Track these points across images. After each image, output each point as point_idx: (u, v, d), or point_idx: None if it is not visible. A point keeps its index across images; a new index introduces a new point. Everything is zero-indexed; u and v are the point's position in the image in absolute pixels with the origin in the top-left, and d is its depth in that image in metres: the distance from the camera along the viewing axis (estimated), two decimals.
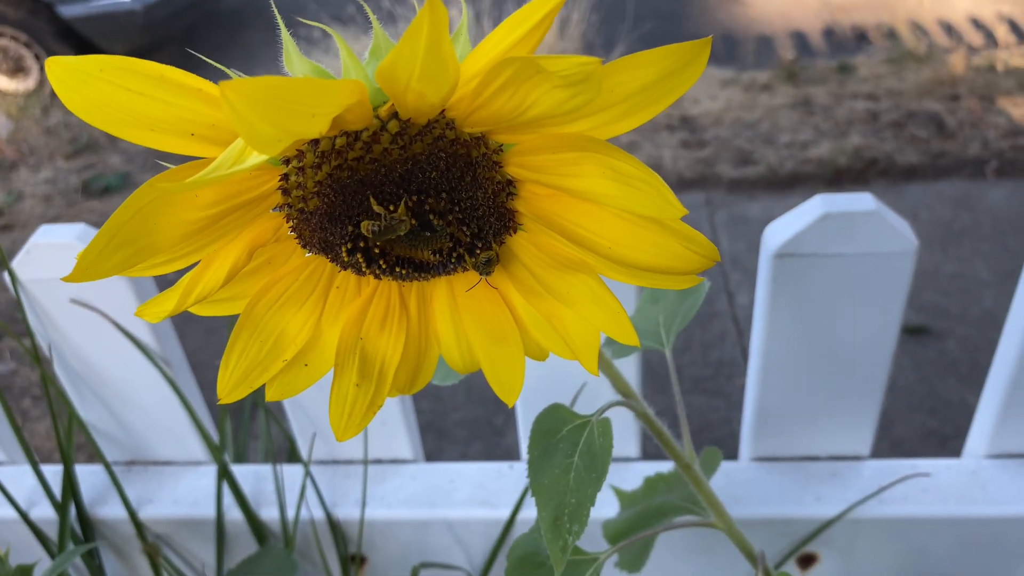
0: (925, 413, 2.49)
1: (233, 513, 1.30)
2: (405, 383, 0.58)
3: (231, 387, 0.54)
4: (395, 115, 0.44)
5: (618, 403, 0.73)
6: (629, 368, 1.18)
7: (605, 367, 0.74)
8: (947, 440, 2.39)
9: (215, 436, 1.43)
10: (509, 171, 0.47)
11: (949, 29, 4.50)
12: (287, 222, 0.49)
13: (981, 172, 3.49)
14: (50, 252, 1.12)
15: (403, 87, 0.39)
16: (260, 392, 0.71)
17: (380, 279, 0.54)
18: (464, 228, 0.48)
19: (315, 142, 0.45)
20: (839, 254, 1.04)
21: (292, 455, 1.43)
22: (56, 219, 4.08)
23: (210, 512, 1.30)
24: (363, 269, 0.50)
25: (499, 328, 0.56)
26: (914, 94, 3.83)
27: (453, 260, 0.51)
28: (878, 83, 3.97)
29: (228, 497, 1.31)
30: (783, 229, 1.05)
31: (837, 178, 3.41)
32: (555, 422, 0.70)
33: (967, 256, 3.13)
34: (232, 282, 0.53)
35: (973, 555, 1.20)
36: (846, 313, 1.09)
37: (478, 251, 0.50)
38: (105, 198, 4.18)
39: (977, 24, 4.51)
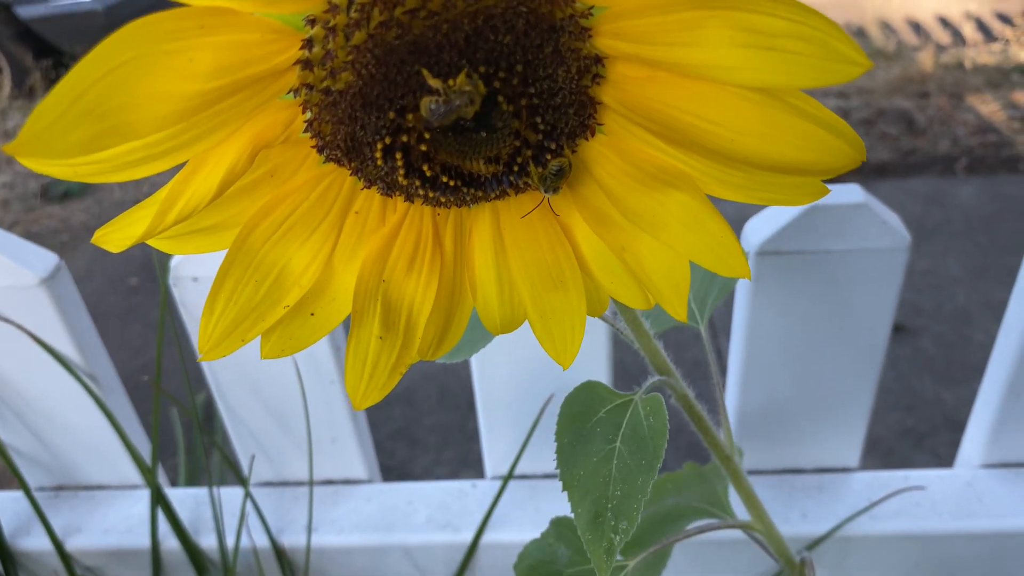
0: (902, 411, 2.45)
1: (170, 542, 1.15)
2: (432, 341, 0.46)
3: (216, 339, 0.42)
4: None
5: (661, 381, 0.62)
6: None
7: (643, 341, 0.63)
8: (923, 438, 2.37)
9: (166, 454, 1.29)
10: (600, 43, 0.36)
11: (917, 28, 4.51)
12: (303, 112, 0.37)
13: (951, 169, 3.49)
14: None
15: None
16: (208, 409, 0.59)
17: (413, 201, 0.42)
18: (537, 120, 0.37)
19: None
20: (826, 251, 0.94)
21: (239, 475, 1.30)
22: (14, 225, 3.88)
23: (144, 541, 1.15)
24: (399, 179, 0.38)
25: (556, 269, 0.45)
26: (884, 92, 3.82)
27: (515, 170, 0.39)
28: (848, 82, 3.95)
29: (164, 524, 1.16)
30: (765, 225, 0.94)
31: None
32: (590, 402, 0.59)
33: (939, 253, 3.12)
34: (223, 201, 0.41)
35: (972, 572, 1.11)
36: (834, 314, 1.00)
37: (548, 157, 0.39)
38: (66, 203, 3.99)
39: (944, 23, 4.53)
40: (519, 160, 0.39)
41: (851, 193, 0.92)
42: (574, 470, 0.57)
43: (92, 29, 4.43)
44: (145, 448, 1.20)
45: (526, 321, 0.48)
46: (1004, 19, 4.49)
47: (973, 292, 2.87)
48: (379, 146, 0.36)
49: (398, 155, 0.37)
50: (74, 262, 3.30)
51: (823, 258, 0.94)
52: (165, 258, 1.12)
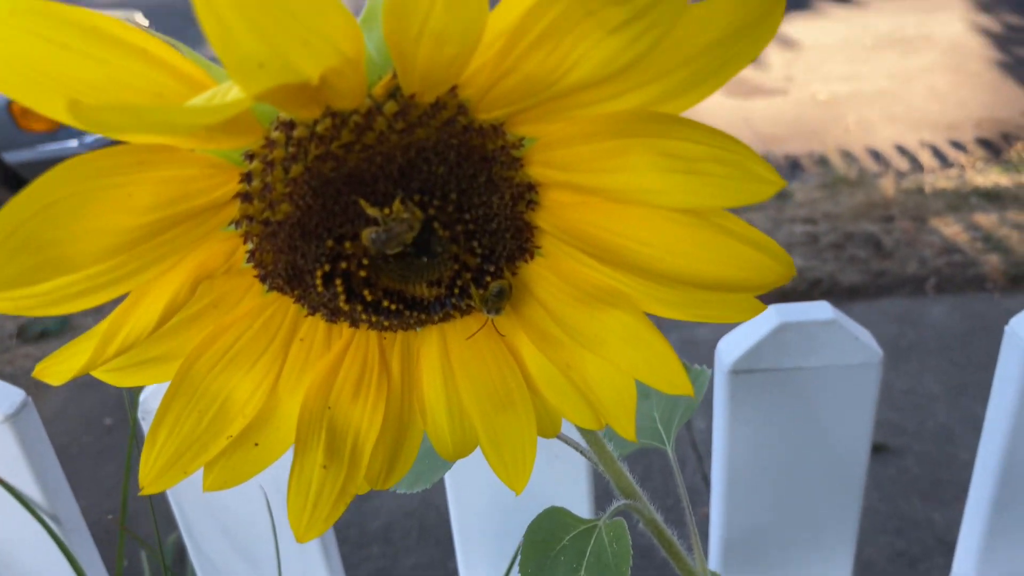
0: (891, 534, 2.41)
1: None
2: (381, 469, 0.46)
3: (158, 471, 0.41)
4: (393, 95, 0.34)
5: (626, 505, 0.61)
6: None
7: (607, 463, 0.62)
8: (917, 561, 2.32)
9: None
10: (531, 172, 0.37)
11: (876, 156, 4.69)
12: (244, 243, 0.38)
13: (921, 289, 3.55)
14: None
15: (418, 29, 0.29)
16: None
17: (358, 326, 0.42)
18: (474, 244, 0.37)
19: (290, 126, 0.34)
20: (798, 368, 0.94)
21: None
22: None
23: None
24: (341, 304, 0.38)
25: (504, 390, 0.45)
26: (850, 217, 3.93)
27: (456, 292, 0.39)
28: (814, 207, 4.07)
29: None
30: (737, 343, 0.95)
31: (783, 299, 3.40)
32: (553, 529, 0.58)
33: (916, 371, 3.14)
34: (166, 332, 0.41)
35: None
36: (811, 432, 0.99)
37: (488, 279, 0.39)
38: (42, 343, 3.96)
39: (902, 150, 4.71)
40: (460, 283, 0.39)
41: (821, 310, 0.93)
42: None
43: None
44: None
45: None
46: (958, 146, 4.69)
47: (953, 409, 2.88)
48: (319, 273, 0.37)
49: (338, 281, 0.37)
50: (48, 401, 3.25)
51: (796, 375, 0.94)
52: (135, 392, 1.10)
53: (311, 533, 0.43)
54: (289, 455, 0.45)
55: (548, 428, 0.47)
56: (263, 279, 0.39)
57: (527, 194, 0.38)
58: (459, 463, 0.99)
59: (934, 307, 3.55)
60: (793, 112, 5.32)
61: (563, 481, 1.03)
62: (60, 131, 4.42)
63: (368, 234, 0.35)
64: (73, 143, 4.40)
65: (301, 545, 1.08)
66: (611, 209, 0.37)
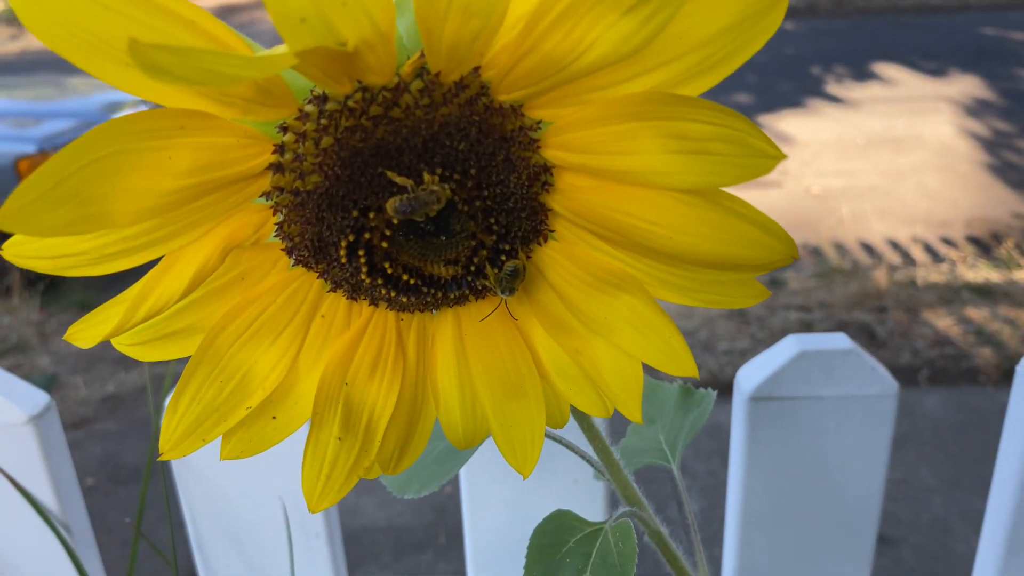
0: None
1: None
2: (393, 451, 0.47)
3: (178, 438, 0.42)
4: (419, 75, 0.37)
5: (631, 513, 0.62)
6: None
7: (614, 471, 0.63)
8: None
9: None
10: (547, 154, 0.40)
11: (869, 249, 4.76)
12: (274, 215, 0.40)
13: (915, 380, 3.57)
14: None
15: (446, 4, 0.32)
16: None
17: (377, 304, 0.44)
18: (491, 221, 0.40)
19: (322, 100, 0.37)
20: (817, 396, 0.96)
21: None
22: None
23: None
24: (363, 277, 0.40)
25: (516, 376, 0.46)
26: (843, 306, 3.97)
27: (472, 271, 0.42)
28: (809, 296, 4.11)
29: None
30: (758, 370, 0.97)
31: None
32: (559, 532, 0.59)
33: (912, 462, 3.13)
34: (193, 303, 0.43)
35: None
36: (828, 461, 1.00)
37: (503, 258, 0.42)
38: None
39: (894, 245, 4.78)
40: (476, 261, 0.41)
41: (839, 340, 0.95)
42: None
43: None
44: None
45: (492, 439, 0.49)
46: (949, 243, 4.77)
47: (949, 502, 2.86)
48: (343, 244, 0.39)
49: (361, 253, 0.40)
50: None
51: (814, 404, 0.96)
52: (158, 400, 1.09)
53: (323, 503, 0.44)
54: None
55: (557, 417, 0.48)
56: (289, 252, 0.42)
57: (542, 175, 0.40)
58: (476, 482, 1.00)
59: (928, 398, 3.55)
60: (787, 204, 5.42)
61: (581, 502, 1.03)
62: None
63: (394, 202, 0.37)
64: None
65: (312, 559, 1.07)
66: (622, 191, 0.39)
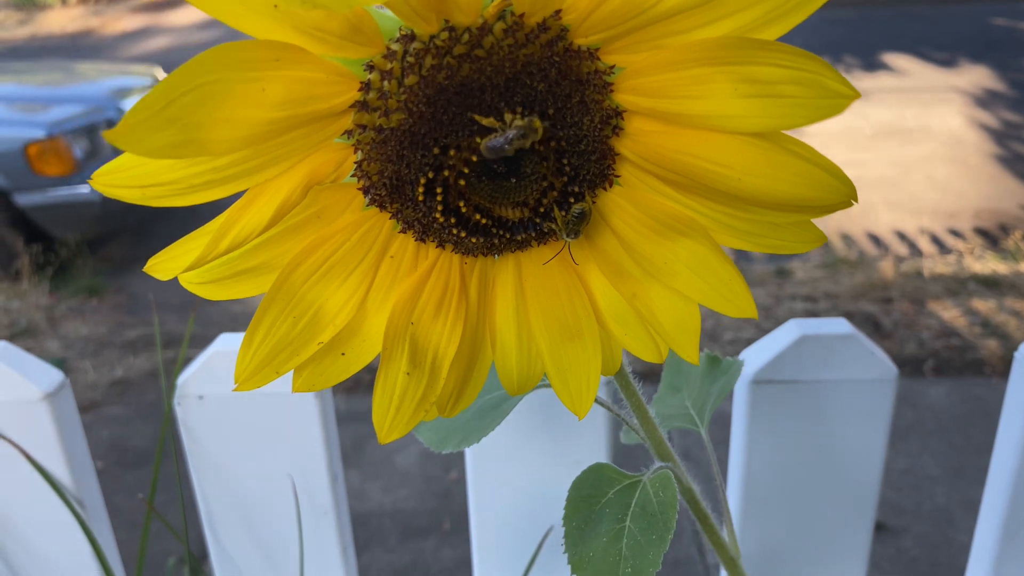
0: None
1: None
2: (452, 391, 0.49)
3: (253, 369, 0.44)
4: (502, 16, 0.38)
5: (664, 467, 0.64)
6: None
7: (648, 428, 0.65)
8: None
9: None
10: (619, 98, 0.41)
11: (876, 240, 4.77)
12: (355, 153, 0.42)
13: (919, 370, 3.58)
14: None
15: None
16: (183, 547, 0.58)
17: (443, 247, 0.46)
18: (564, 162, 0.41)
19: (409, 39, 0.38)
20: (817, 380, 0.98)
21: None
22: None
23: None
24: (437, 215, 0.42)
25: (573, 319, 0.48)
26: (849, 296, 3.98)
27: (541, 213, 0.43)
28: (815, 286, 4.12)
29: None
30: (759, 354, 0.98)
31: None
32: (598, 485, 0.60)
33: (915, 452, 3.15)
34: (270, 240, 0.45)
35: None
36: (828, 445, 1.01)
37: (571, 200, 0.43)
38: None
39: (901, 236, 4.79)
40: (545, 203, 0.43)
41: (839, 325, 0.96)
42: (583, 551, 0.57)
43: (86, 218, 4.57)
44: None
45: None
46: (956, 234, 4.78)
47: (952, 492, 2.88)
48: (422, 182, 0.41)
49: (438, 191, 0.41)
50: None
51: (815, 387, 0.97)
52: (173, 378, 1.10)
53: (393, 434, 0.45)
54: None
55: (609, 363, 0.50)
56: (366, 191, 0.43)
57: (613, 119, 0.42)
58: (482, 464, 1.02)
59: (932, 389, 3.57)
60: None
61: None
62: (73, 177, 4.48)
63: (484, 144, 0.39)
64: (84, 188, 4.47)
65: (319, 538, 1.09)
66: (691, 135, 0.40)
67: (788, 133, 0.40)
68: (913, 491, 2.90)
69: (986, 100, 7.19)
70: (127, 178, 0.39)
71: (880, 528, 2.70)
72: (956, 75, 7.91)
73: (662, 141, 0.41)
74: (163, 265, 0.43)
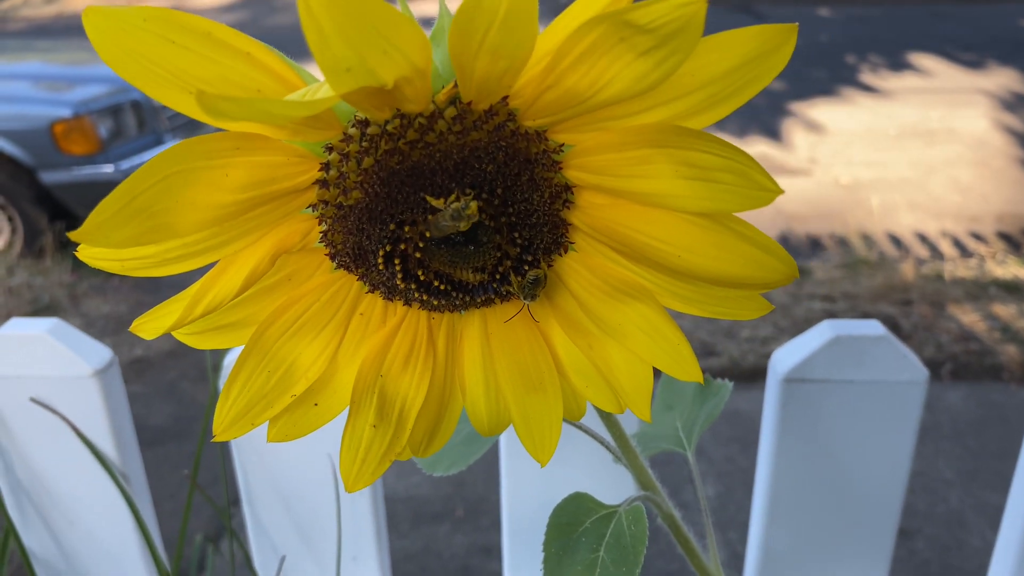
0: None
1: None
2: (423, 437, 0.51)
3: (230, 421, 0.47)
4: (452, 103, 0.41)
5: (645, 497, 0.66)
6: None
7: (629, 457, 0.67)
8: None
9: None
10: (568, 175, 0.44)
11: (897, 241, 4.74)
12: (319, 224, 0.45)
13: (937, 374, 3.56)
14: (15, 346, 1.01)
15: (477, 45, 0.36)
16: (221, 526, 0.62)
17: (410, 305, 0.49)
18: (515, 235, 0.44)
19: (364, 124, 0.41)
20: (849, 381, 0.99)
21: None
22: None
23: None
24: (398, 282, 0.45)
25: (536, 372, 0.51)
26: (868, 297, 3.96)
27: (497, 278, 0.46)
28: (834, 286, 4.11)
29: None
30: (792, 353, 1.00)
31: None
32: (576, 514, 0.63)
33: (930, 455, 3.14)
34: (245, 300, 0.48)
35: None
36: (857, 444, 1.03)
37: (526, 268, 0.46)
38: None
39: (922, 238, 4.76)
40: (501, 269, 0.45)
41: (872, 327, 0.98)
42: None
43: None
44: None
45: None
46: (978, 238, 4.73)
47: (966, 496, 2.86)
48: (381, 253, 0.43)
49: (396, 261, 0.44)
50: None
51: (846, 388, 0.99)
52: (220, 356, 1.13)
53: (359, 484, 0.48)
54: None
55: (574, 411, 0.53)
56: (333, 257, 0.46)
57: (564, 194, 0.44)
58: (515, 452, 1.04)
59: (949, 393, 3.55)
60: (815, 193, 5.40)
61: (613, 476, 1.08)
62: (97, 156, 4.54)
63: (433, 221, 0.42)
64: (108, 168, 4.53)
65: (354, 517, 1.12)
66: (637, 211, 0.43)
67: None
68: (927, 493, 2.89)
69: (1013, 103, 7.10)
70: (106, 252, 0.43)
71: None
72: (983, 77, 7.81)
73: (610, 215, 0.44)
74: (147, 326, 0.47)
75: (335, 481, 1.09)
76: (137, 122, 4.76)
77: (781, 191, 0.38)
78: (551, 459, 0.51)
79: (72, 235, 0.36)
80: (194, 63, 0.37)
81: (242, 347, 0.48)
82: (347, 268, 0.46)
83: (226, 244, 0.42)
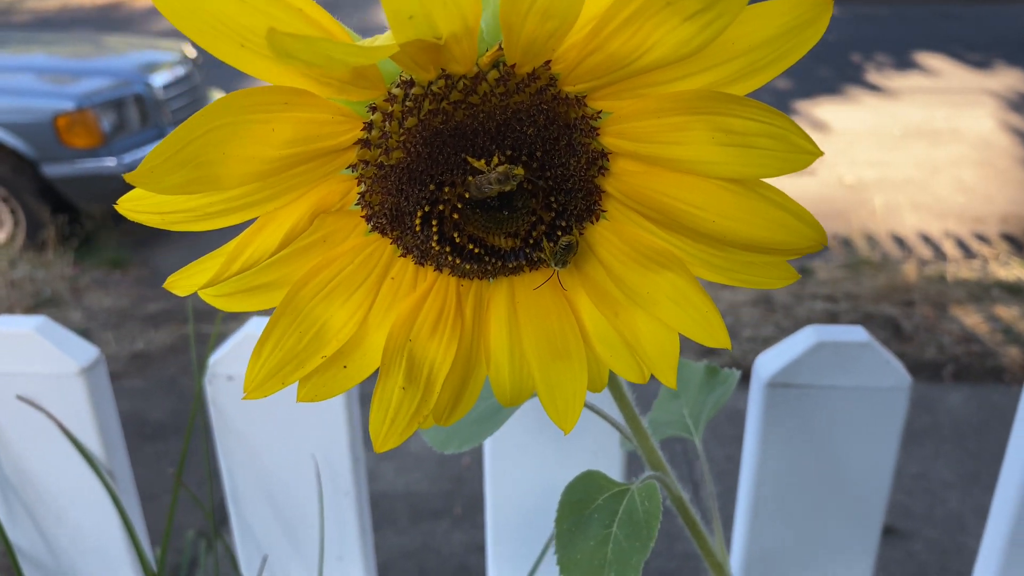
0: None
1: None
2: (446, 404, 0.52)
3: (261, 379, 0.48)
4: (496, 66, 0.42)
5: (655, 477, 0.67)
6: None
7: (641, 438, 0.68)
8: None
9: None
10: (605, 141, 0.44)
11: (900, 242, 4.74)
12: (359, 185, 0.45)
13: (938, 375, 3.56)
14: (1, 343, 1.01)
15: (528, 6, 0.37)
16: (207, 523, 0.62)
17: (441, 271, 0.49)
18: (551, 200, 0.44)
19: (408, 85, 0.42)
20: (833, 386, 1.00)
21: None
22: None
23: None
24: (433, 244, 0.45)
25: (562, 340, 0.51)
26: (870, 298, 3.97)
27: (530, 244, 0.46)
28: (836, 286, 4.11)
29: None
30: (776, 358, 1.01)
31: None
32: (589, 491, 0.64)
33: (929, 457, 3.14)
34: (279, 260, 0.48)
35: None
36: (841, 449, 1.04)
37: (559, 234, 0.46)
38: None
39: (926, 239, 4.76)
40: (534, 235, 0.46)
41: (856, 333, 0.98)
42: (572, 554, 0.60)
43: (112, 190, 4.62)
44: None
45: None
46: (982, 239, 4.74)
47: (966, 498, 2.86)
48: (419, 214, 0.44)
49: (434, 223, 0.44)
50: None
51: (830, 393, 1.00)
52: (204, 358, 1.14)
53: (388, 444, 0.49)
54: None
55: (596, 381, 0.53)
56: (368, 219, 0.46)
57: (599, 160, 0.45)
58: (500, 453, 1.05)
59: (950, 394, 3.55)
60: (820, 193, 5.40)
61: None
62: (100, 149, 4.54)
63: (473, 181, 0.42)
64: (111, 161, 4.52)
65: (339, 516, 1.13)
66: (671, 177, 0.43)
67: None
68: (926, 496, 2.89)
69: (1019, 104, 7.10)
70: (148, 205, 0.43)
71: (889, 531, 2.70)
72: (989, 77, 7.81)
73: (644, 182, 0.44)
74: (181, 282, 0.47)
75: (319, 480, 1.10)
76: (140, 115, 4.76)
77: (821, 152, 0.39)
78: (539, 459, 0.52)
79: (128, 177, 0.37)
80: (250, 16, 0.38)
81: (265, 316, 0.48)
82: (382, 231, 0.47)
83: (267, 200, 0.43)
